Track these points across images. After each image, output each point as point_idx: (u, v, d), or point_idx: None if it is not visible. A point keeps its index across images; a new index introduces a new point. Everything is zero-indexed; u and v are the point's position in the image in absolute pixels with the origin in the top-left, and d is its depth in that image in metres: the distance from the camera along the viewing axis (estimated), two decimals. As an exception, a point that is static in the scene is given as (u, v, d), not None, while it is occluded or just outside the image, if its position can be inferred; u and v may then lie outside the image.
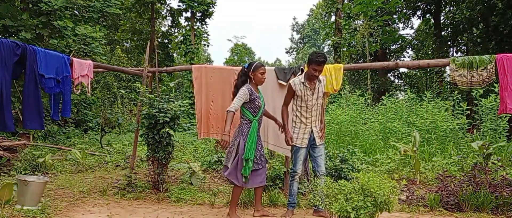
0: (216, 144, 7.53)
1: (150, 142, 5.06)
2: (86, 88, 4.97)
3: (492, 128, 7.36)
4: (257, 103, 3.96)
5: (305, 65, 4.16)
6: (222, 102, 5.15)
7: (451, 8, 18.87)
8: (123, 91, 5.99)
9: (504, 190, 4.34)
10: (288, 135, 4.08)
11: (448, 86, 16.75)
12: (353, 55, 20.58)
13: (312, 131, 4.10)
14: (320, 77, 4.14)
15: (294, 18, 63.53)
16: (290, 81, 4.13)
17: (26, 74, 4.02)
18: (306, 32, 45.80)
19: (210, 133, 5.24)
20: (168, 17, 20.69)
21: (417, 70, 21.53)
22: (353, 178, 3.32)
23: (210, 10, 18.28)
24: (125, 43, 22.54)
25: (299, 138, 4.09)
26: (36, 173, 6.24)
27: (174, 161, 6.87)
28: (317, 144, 4.12)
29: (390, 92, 19.51)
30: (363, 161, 6.81)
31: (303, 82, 4.04)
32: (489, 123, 7.46)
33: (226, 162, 4.05)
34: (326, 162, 5.43)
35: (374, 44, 17.24)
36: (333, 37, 16.55)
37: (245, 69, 4.07)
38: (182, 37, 18.15)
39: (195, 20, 18.00)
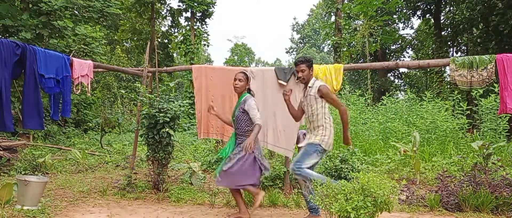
0: (216, 144, 7.53)
1: (150, 142, 5.06)
2: (86, 88, 4.97)
3: (492, 128, 7.36)
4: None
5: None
6: (222, 102, 5.15)
7: (451, 8, 18.86)
8: (123, 91, 6.00)
9: (504, 190, 4.34)
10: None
11: (448, 86, 16.74)
12: (353, 55, 20.59)
13: None
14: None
15: (294, 18, 63.62)
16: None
17: (26, 74, 4.02)
18: (306, 32, 45.81)
19: (210, 133, 5.24)
20: (168, 17, 20.72)
21: (417, 70, 21.55)
22: (353, 178, 3.31)
23: (210, 10, 18.29)
24: (125, 43, 22.57)
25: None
26: (36, 173, 6.24)
27: (174, 161, 6.87)
28: None
29: (390, 92, 19.52)
30: (363, 161, 6.81)
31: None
32: (489, 123, 7.46)
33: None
34: (326, 162, 5.45)
35: (374, 44, 17.24)
36: (333, 37, 16.55)
37: None
38: (182, 37, 18.17)
39: (195, 20, 18.01)
